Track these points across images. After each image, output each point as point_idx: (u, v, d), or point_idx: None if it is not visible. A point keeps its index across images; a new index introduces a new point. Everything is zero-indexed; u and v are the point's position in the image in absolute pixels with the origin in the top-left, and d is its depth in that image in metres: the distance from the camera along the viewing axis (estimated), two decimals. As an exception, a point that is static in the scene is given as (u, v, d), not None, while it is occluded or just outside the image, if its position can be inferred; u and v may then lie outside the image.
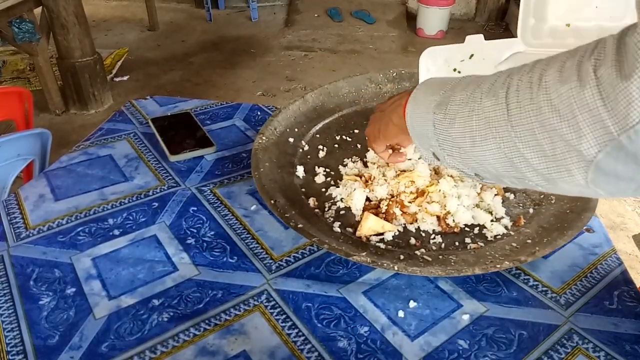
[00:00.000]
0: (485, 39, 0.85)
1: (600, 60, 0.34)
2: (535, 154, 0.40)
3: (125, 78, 3.26)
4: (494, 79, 0.43)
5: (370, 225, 0.69)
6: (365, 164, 0.83)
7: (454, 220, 0.72)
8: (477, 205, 0.74)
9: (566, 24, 0.75)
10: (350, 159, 0.85)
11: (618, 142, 0.33)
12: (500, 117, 0.41)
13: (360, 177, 0.79)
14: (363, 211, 0.73)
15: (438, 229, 0.71)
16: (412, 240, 0.69)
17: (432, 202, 0.73)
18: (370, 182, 0.77)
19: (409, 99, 0.53)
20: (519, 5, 0.77)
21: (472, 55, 0.85)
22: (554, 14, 0.75)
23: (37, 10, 2.53)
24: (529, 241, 0.67)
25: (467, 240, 0.70)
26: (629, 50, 0.32)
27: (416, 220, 0.72)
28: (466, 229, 0.72)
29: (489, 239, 0.70)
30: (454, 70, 0.86)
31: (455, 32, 4.05)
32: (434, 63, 0.85)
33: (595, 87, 0.34)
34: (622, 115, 0.32)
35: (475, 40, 0.84)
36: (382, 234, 0.70)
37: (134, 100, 1.10)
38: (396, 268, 0.60)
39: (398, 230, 0.71)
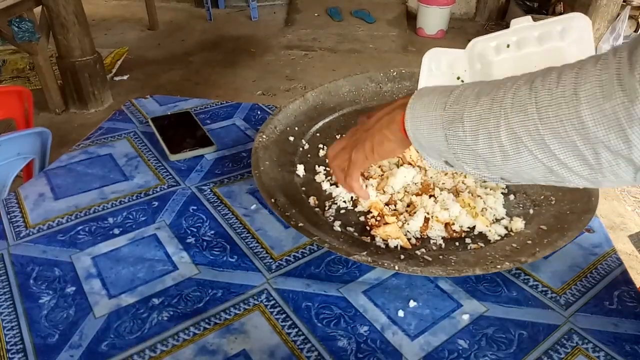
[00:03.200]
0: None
1: None
2: (578, 162, 0.40)
3: (125, 77, 3.26)
4: (512, 92, 0.43)
5: (388, 231, 0.68)
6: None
7: (460, 226, 0.71)
8: (479, 213, 0.74)
9: None
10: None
11: None
12: (533, 132, 0.41)
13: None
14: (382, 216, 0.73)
15: (444, 235, 0.71)
16: (413, 240, 0.69)
17: (443, 209, 0.73)
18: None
19: (407, 115, 0.52)
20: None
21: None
22: (499, 76, 0.75)
23: (37, 10, 2.53)
24: (529, 242, 0.67)
25: (468, 240, 0.70)
26: None
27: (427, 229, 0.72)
28: (466, 229, 0.72)
29: (489, 239, 0.70)
30: (457, 78, 0.85)
31: (456, 31, 4.06)
32: (437, 66, 0.84)
33: None
34: None
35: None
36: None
37: (134, 100, 1.10)
38: (397, 268, 0.60)
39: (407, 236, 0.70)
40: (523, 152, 0.43)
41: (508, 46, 0.74)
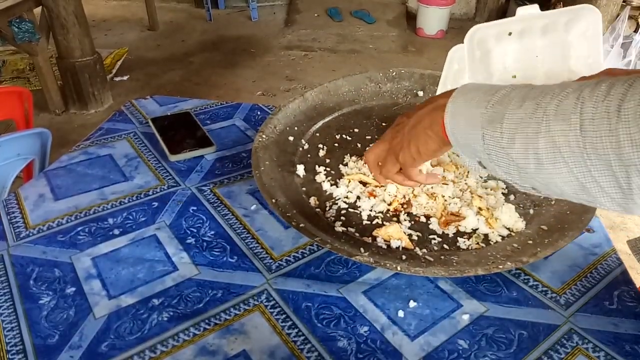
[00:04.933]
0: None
1: None
2: (610, 183, 0.39)
3: (125, 78, 3.26)
4: (559, 99, 0.41)
5: (390, 232, 0.68)
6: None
7: (458, 225, 0.72)
8: (481, 213, 0.74)
9: (512, 75, 0.75)
10: (350, 158, 0.85)
11: None
12: (573, 143, 0.39)
13: (365, 185, 0.79)
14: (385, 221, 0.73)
15: (439, 230, 0.71)
16: (414, 237, 0.69)
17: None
18: (374, 191, 0.78)
19: (447, 110, 0.51)
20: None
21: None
22: (499, 67, 0.75)
23: (37, 10, 2.53)
24: (530, 242, 0.67)
25: (469, 241, 0.69)
26: None
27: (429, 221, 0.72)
28: (467, 230, 0.72)
29: (490, 239, 0.70)
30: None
31: (456, 31, 4.05)
32: (459, 61, 0.82)
33: None
34: None
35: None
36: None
37: (134, 100, 1.10)
38: (399, 268, 0.60)
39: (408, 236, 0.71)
40: (559, 162, 0.41)
41: (510, 34, 0.73)
